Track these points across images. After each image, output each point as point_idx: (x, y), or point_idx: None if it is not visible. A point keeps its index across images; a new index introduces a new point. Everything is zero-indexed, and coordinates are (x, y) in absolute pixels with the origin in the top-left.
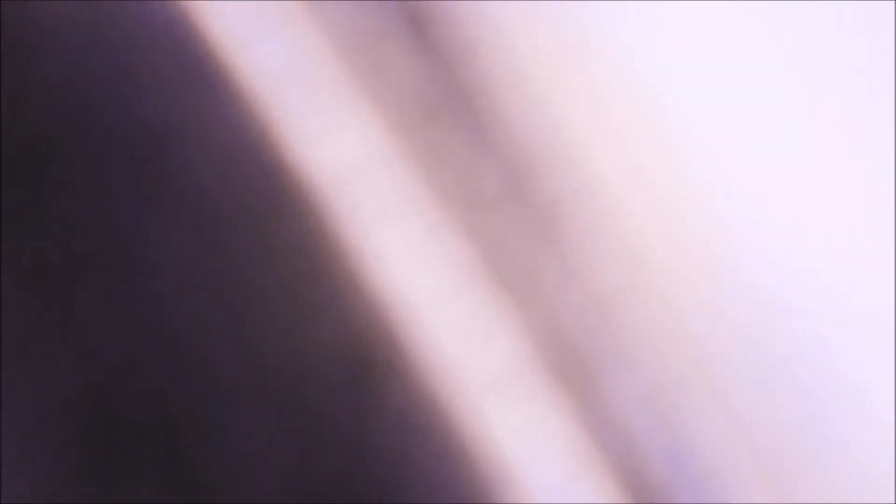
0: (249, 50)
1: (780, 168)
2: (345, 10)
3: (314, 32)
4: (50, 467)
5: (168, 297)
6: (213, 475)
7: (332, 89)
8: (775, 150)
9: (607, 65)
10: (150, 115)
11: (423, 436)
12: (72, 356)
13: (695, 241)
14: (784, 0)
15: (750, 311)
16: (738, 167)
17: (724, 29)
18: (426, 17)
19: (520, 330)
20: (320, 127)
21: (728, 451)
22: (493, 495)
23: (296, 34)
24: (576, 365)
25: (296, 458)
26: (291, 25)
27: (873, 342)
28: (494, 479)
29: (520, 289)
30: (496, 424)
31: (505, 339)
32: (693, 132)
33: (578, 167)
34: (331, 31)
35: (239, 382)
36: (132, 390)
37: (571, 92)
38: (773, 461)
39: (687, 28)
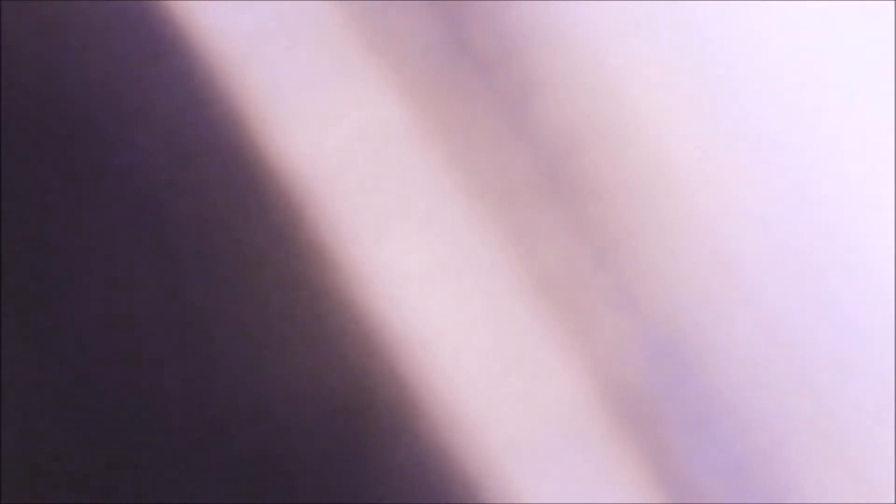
0: (218, 14)
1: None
2: None
3: None
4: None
5: (105, 321)
6: None
7: (320, 61)
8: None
9: (671, 34)
10: (84, 97)
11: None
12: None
13: (776, 242)
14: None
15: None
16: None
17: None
18: None
19: (564, 368)
20: (306, 107)
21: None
22: None
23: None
24: (636, 417)
25: None
26: None
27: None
28: None
29: (565, 311)
30: (526, 494)
31: (543, 380)
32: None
33: (633, 150)
34: None
35: (199, 440)
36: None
37: (626, 61)
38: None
39: (752, 8)
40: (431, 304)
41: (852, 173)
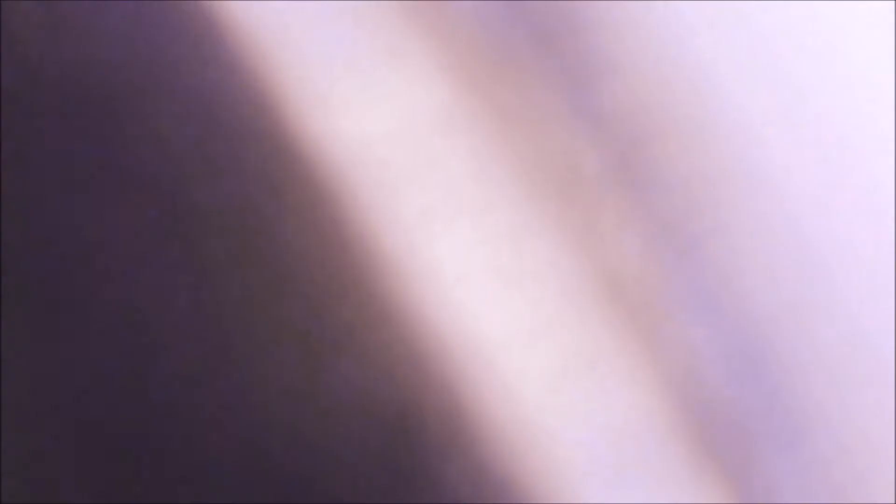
0: None
1: None
2: None
3: None
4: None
5: (120, 325)
6: None
7: (365, 41)
8: None
9: (755, 25)
10: (102, 74)
11: None
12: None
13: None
14: None
15: None
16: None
17: None
18: None
19: (635, 380)
20: (345, 90)
21: None
22: None
23: None
24: (716, 434)
25: None
26: None
27: None
28: None
29: (636, 317)
30: None
31: (612, 392)
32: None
33: (713, 143)
34: None
35: (226, 460)
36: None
37: (709, 48)
38: None
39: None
40: (488, 310)
41: None
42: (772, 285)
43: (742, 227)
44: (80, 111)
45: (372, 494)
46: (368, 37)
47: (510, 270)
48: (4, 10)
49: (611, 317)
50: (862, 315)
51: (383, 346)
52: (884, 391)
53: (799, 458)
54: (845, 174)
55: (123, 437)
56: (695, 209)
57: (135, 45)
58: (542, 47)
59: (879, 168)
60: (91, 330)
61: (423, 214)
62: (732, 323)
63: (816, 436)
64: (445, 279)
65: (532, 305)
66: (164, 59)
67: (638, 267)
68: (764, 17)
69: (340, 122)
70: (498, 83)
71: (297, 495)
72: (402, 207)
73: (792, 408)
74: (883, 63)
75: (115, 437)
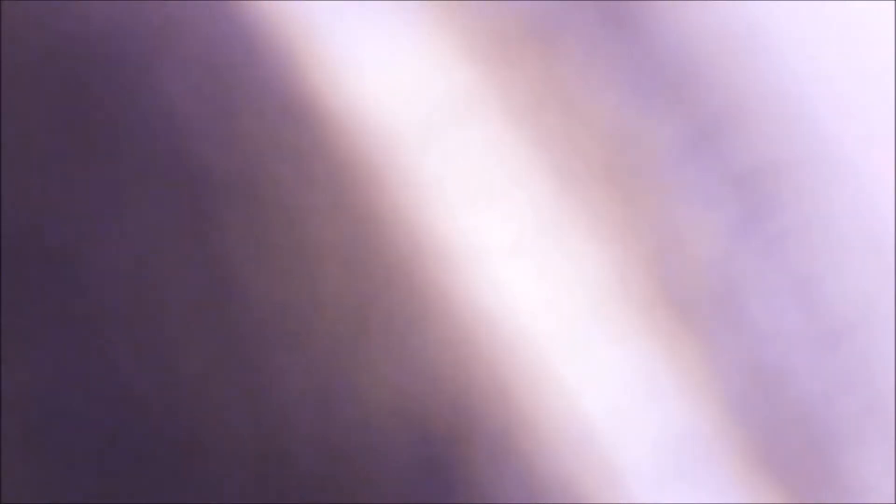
0: None
1: None
2: None
3: None
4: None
5: (131, 311)
6: None
7: (401, 25)
8: None
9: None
10: (106, 33)
11: None
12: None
13: None
14: None
15: None
16: None
17: None
18: None
19: (700, 386)
20: (366, 58)
21: None
22: None
23: None
24: (777, 451)
25: None
26: None
27: None
28: None
29: (704, 319)
30: None
31: (674, 400)
32: None
33: (793, 122)
34: None
35: (244, 469)
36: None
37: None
38: None
39: None
40: (538, 310)
41: None
42: (850, 284)
43: (821, 223)
44: (84, 83)
45: (421, 499)
46: (412, 26)
47: (555, 265)
48: None
49: (660, 323)
50: None
51: (429, 343)
52: None
53: (886, 458)
54: None
55: (131, 438)
56: (770, 204)
57: (140, 10)
58: (592, 40)
59: None
60: (99, 320)
61: (460, 201)
62: (811, 322)
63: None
64: (499, 275)
65: (579, 294)
66: (174, 25)
67: (685, 271)
68: (834, 2)
69: (362, 91)
70: (529, 63)
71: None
72: (437, 193)
73: (876, 409)
74: None
75: (123, 437)
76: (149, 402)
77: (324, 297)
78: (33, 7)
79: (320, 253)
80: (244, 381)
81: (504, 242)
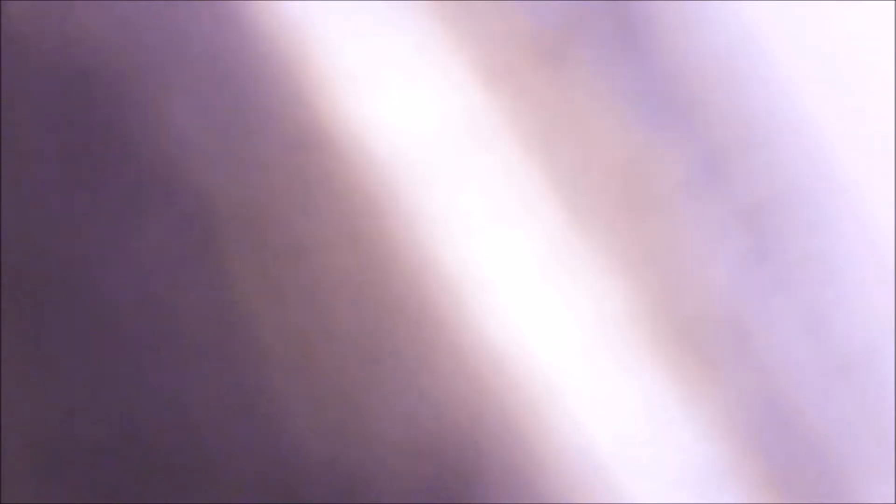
0: None
1: None
2: None
3: None
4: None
5: (134, 336)
6: None
7: (407, 42)
8: None
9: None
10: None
11: None
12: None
13: None
14: None
15: None
16: None
17: None
18: None
19: (712, 421)
20: (388, 91)
21: None
22: None
23: None
24: (813, 477)
25: None
26: None
27: None
28: None
29: (714, 351)
30: None
31: (686, 436)
32: None
33: (802, 151)
34: None
35: (248, 493)
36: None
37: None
38: None
39: None
40: (551, 338)
41: None
42: (860, 314)
43: (833, 251)
44: (83, 97)
45: None
46: (419, 43)
47: (568, 300)
48: None
49: (670, 357)
50: None
51: (436, 371)
52: None
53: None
54: None
55: (136, 467)
56: (783, 232)
57: (141, 22)
58: (603, 59)
59: None
60: (103, 345)
61: (469, 223)
62: (821, 353)
63: None
64: (508, 310)
65: (598, 342)
66: (182, 51)
67: (697, 303)
68: (843, 25)
69: (385, 124)
70: (542, 81)
71: None
72: (437, 208)
73: (889, 438)
74: None
75: (127, 465)
76: (154, 431)
77: (332, 328)
78: (35, 15)
79: (328, 283)
80: (251, 415)
81: (514, 273)
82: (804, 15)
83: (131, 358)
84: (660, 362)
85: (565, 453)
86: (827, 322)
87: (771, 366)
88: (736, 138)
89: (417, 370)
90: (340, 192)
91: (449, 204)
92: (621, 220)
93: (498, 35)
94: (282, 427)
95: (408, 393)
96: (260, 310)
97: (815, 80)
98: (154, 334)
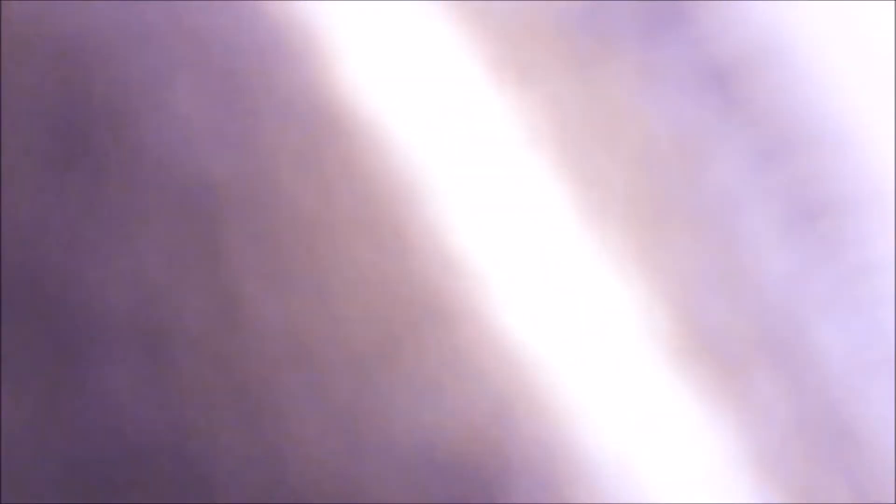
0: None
1: None
2: None
3: None
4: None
5: (133, 343)
6: None
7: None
8: None
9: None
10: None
11: None
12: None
13: None
14: None
15: None
16: None
17: None
18: None
19: (737, 432)
20: (402, 72)
21: None
22: None
23: None
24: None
25: None
26: None
27: None
28: None
29: (739, 360)
30: None
31: (713, 445)
32: None
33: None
34: None
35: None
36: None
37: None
38: None
39: None
40: (574, 349)
41: None
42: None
43: (882, 263)
44: (87, 91)
45: None
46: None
47: (601, 290)
48: None
49: (693, 368)
50: None
51: (460, 382)
52: None
53: None
54: None
55: (134, 477)
56: (842, 240)
57: (150, 14)
58: (626, 61)
59: None
60: (101, 351)
61: (491, 222)
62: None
63: None
64: (526, 300)
65: (629, 347)
66: (189, 32)
67: (719, 313)
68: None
69: (389, 105)
70: (569, 80)
71: None
72: (456, 203)
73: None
74: None
75: (125, 476)
76: (153, 441)
77: (346, 330)
78: (35, 11)
79: (339, 279)
80: (255, 422)
81: (539, 270)
82: (853, 15)
83: (128, 362)
84: (688, 373)
85: (592, 459)
86: (876, 330)
87: (797, 376)
88: (778, 143)
89: (440, 372)
90: (356, 181)
91: (469, 199)
92: (655, 227)
93: (517, 34)
94: (289, 435)
95: (427, 397)
96: (268, 309)
97: (864, 83)
98: (153, 336)
